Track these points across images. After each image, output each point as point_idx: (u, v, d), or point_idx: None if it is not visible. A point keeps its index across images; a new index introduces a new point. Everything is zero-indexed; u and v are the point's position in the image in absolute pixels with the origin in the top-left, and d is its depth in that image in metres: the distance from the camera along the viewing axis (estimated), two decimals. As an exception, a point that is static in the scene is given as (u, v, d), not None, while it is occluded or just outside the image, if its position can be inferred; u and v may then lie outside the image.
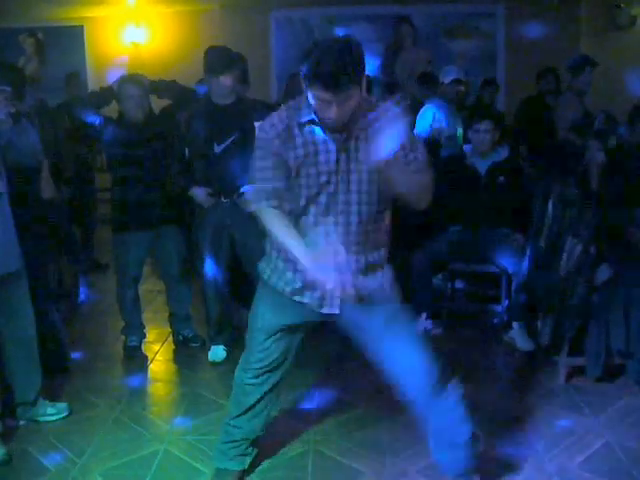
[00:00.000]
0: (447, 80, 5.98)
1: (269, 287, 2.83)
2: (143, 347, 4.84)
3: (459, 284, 5.41)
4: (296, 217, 2.66)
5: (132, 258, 4.60)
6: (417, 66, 7.13)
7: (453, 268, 5.00)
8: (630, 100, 5.98)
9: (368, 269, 2.71)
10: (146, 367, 4.59)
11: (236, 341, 4.47)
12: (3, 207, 3.46)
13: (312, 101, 2.49)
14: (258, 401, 3.03)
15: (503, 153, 4.88)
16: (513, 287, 4.68)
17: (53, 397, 3.95)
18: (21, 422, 3.76)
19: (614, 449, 3.38)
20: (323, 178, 2.58)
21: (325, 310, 2.72)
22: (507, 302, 4.80)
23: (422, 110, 5.78)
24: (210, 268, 4.52)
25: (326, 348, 4.49)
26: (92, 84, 8.41)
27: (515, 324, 4.66)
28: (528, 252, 4.59)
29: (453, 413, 2.84)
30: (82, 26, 9.10)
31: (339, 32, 9.14)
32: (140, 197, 4.47)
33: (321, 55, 2.38)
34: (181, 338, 4.88)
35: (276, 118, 2.63)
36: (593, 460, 3.30)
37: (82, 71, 8.19)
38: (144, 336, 4.87)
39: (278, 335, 2.88)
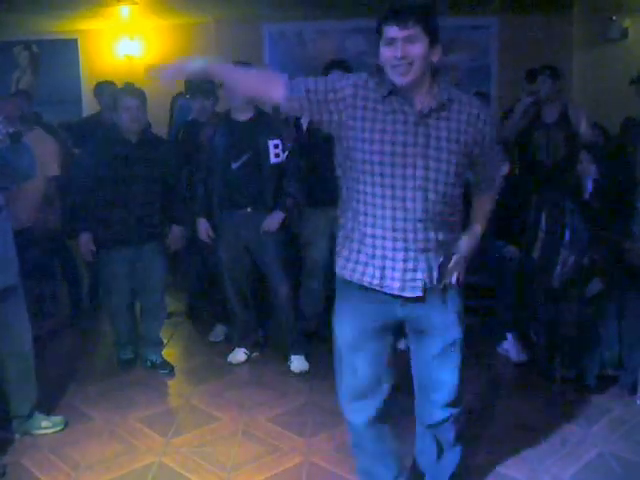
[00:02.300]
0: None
1: (343, 282, 2.72)
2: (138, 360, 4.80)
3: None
4: (369, 190, 2.58)
5: (117, 274, 4.48)
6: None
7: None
8: (621, 112, 6.03)
9: (437, 260, 2.65)
10: (141, 379, 4.58)
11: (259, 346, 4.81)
12: (2, 222, 3.46)
13: (382, 50, 2.51)
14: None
15: (503, 169, 4.89)
16: (506, 298, 4.69)
17: (48, 410, 3.95)
18: (16, 436, 3.75)
19: (608, 459, 3.39)
20: (399, 149, 2.52)
21: (407, 293, 2.61)
22: (500, 313, 4.81)
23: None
24: (231, 276, 4.66)
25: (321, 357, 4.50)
26: (86, 97, 8.44)
27: (509, 336, 4.68)
28: (522, 264, 4.62)
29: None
30: (76, 39, 9.09)
31: (332, 45, 9.20)
32: (126, 214, 4.35)
33: (398, 2, 2.52)
34: (149, 364, 4.72)
35: (352, 81, 2.61)
36: (587, 470, 3.32)
37: (76, 83, 8.20)
38: (137, 349, 4.80)
39: (364, 347, 2.72)
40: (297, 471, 3.38)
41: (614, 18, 7.44)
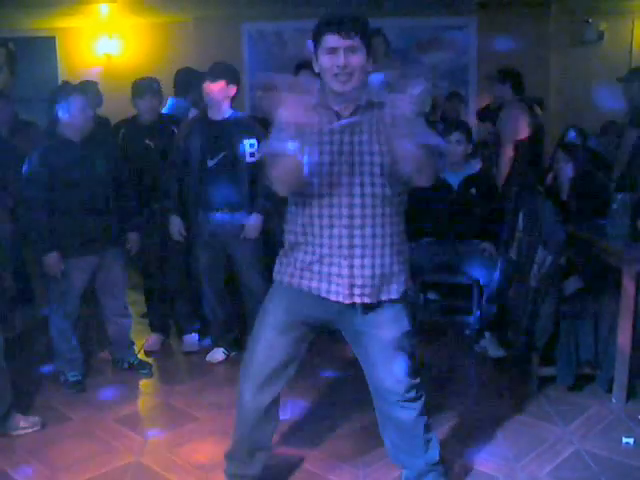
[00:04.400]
0: (416, 92, 6.02)
1: (280, 284, 2.81)
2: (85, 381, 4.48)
3: (431, 295, 5.44)
4: (303, 202, 2.68)
5: (74, 286, 4.29)
6: (389, 78, 7.17)
7: (425, 279, 5.03)
8: (597, 113, 6.10)
9: (376, 270, 2.68)
10: (119, 379, 4.56)
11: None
12: None
13: (322, 58, 2.57)
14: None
15: (475, 166, 4.94)
16: (484, 298, 4.73)
17: (25, 410, 3.92)
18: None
19: (584, 457, 3.42)
20: (326, 158, 2.60)
21: (333, 296, 2.67)
22: (479, 312, 4.85)
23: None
24: (209, 275, 4.67)
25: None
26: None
27: (487, 334, 4.71)
28: (499, 263, 4.65)
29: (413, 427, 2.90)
30: (54, 37, 9.05)
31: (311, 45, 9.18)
32: (83, 220, 4.17)
33: (333, 13, 2.59)
34: (126, 366, 4.64)
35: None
36: (563, 468, 3.34)
37: (54, 82, 8.12)
38: (84, 368, 4.52)
39: (286, 334, 2.80)
40: (278, 469, 3.38)
41: (590, 21, 7.52)
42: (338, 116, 2.63)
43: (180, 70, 5.55)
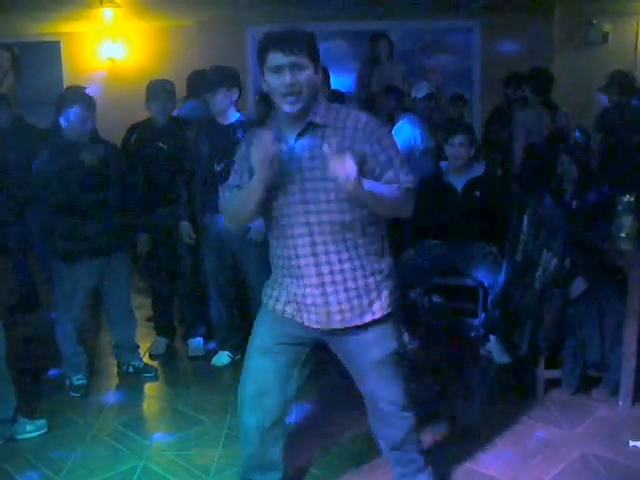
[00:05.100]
0: (419, 95, 6.02)
1: (266, 307, 2.82)
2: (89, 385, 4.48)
3: (436, 298, 5.43)
4: (272, 231, 2.70)
5: (80, 289, 4.31)
6: (393, 80, 7.18)
7: (430, 282, 5.02)
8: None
9: (350, 293, 2.65)
10: (124, 383, 4.56)
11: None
12: None
13: (268, 77, 2.51)
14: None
15: (479, 169, 4.93)
16: (489, 300, 4.71)
17: (30, 414, 3.93)
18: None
19: (590, 461, 3.41)
20: (280, 188, 2.55)
21: (313, 325, 2.68)
22: (484, 315, 4.83)
23: (397, 126, 5.81)
24: (216, 279, 4.68)
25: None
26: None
27: (492, 337, 4.69)
28: (504, 266, 4.63)
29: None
30: (59, 41, 9.06)
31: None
32: (88, 224, 4.18)
33: (277, 30, 2.52)
34: (131, 370, 4.65)
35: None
36: (570, 472, 3.33)
37: (59, 86, 8.13)
38: (89, 372, 4.53)
39: (272, 358, 2.79)
40: (286, 473, 3.36)
41: (595, 22, 7.51)
42: (288, 140, 2.57)
43: (192, 73, 5.55)
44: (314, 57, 2.52)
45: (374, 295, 2.69)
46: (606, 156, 5.30)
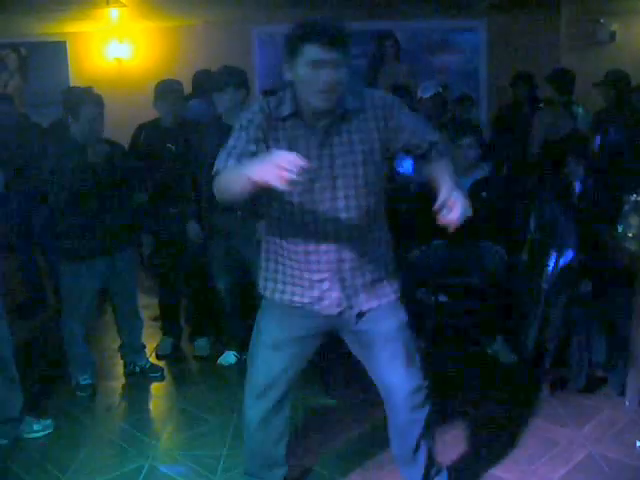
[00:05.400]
0: (426, 95, 6.01)
1: (271, 301, 2.76)
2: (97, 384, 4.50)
3: (442, 298, 5.42)
4: (285, 219, 2.61)
5: (86, 289, 4.30)
6: (399, 79, 7.18)
7: (436, 282, 5.01)
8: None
9: (367, 277, 2.67)
10: (130, 383, 4.57)
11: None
12: None
13: (303, 71, 2.38)
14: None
15: (485, 169, 4.92)
16: (496, 301, 4.70)
17: (37, 413, 3.93)
18: (3, 441, 3.72)
19: (597, 460, 3.40)
20: (305, 175, 2.44)
21: (325, 311, 2.66)
22: (490, 315, 4.82)
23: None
24: (222, 278, 4.67)
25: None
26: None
27: (498, 338, 4.69)
28: (511, 265, 4.63)
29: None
30: (65, 42, 9.07)
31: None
32: (94, 222, 4.17)
33: (314, 20, 2.40)
34: (138, 370, 4.65)
35: (258, 106, 2.55)
36: (576, 472, 3.32)
37: (65, 87, 8.14)
38: (95, 372, 4.52)
39: (282, 350, 2.77)
40: (291, 471, 3.37)
41: (602, 21, 7.49)
42: (313, 129, 2.52)
43: (197, 72, 5.53)
44: (349, 53, 2.43)
45: (388, 280, 2.73)
46: (611, 156, 5.29)
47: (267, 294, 2.77)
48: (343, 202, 2.55)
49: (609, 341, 4.00)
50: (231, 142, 2.53)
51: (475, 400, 4.14)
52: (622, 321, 3.95)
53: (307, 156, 2.36)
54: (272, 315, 2.80)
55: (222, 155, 2.52)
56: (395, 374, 2.77)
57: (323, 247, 2.59)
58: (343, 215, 2.56)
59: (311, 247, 2.60)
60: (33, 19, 7.98)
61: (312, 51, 2.35)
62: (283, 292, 2.71)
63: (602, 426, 3.76)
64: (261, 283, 2.79)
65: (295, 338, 2.77)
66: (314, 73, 2.37)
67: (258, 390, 2.85)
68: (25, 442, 3.75)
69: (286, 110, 2.50)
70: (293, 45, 2.40)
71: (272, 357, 2.79)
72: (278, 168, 2.04)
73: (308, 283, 2.65)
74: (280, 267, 2.71)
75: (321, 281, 2.63)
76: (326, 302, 2.66)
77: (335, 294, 2.64)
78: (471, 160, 4.83)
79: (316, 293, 2.65)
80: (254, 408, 2.89)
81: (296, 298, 2.69)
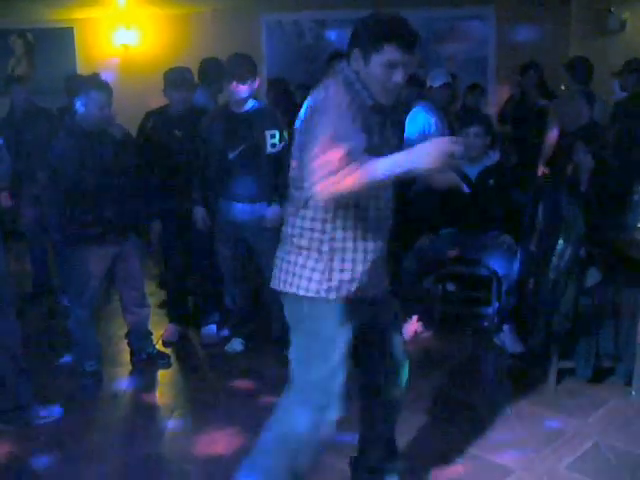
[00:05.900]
0: (436, 84, 5.98)
1: (326, 301, 2.54)
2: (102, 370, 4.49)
3: (450, 286, 5.43)
4: (360, 211, 2.55)
5: (92, 274, 4.28)
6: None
7: (444, 270, 5.01)
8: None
9: (385, 259, 2.72)
10: (137, 370, 4.58)
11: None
12: None
13: (377, 67, 2.41)
14: None
15: (494, 157, 4.91)
16: (503, 290, 4.70)
17: (44, 400, 3.94)
18: (11, 428, 3.74)
19: (603, 450, 3.40)
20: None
21: (370, 294, 2.63)
22: (497, 305, 4.82)
23: (412, 113, 5.78)
24: (229, 266, 4.69)
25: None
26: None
27: (505, 326, 4.68)
28: (518, 255, 4.62)
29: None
30: (72, 28, 9.06)
31: (330, 35, 9.18)
32: (102, 208, 4.17)
33: (394, 19, 2.44)
34: (145, 356, 4.62)
35: (350, 97, 2.43)
36: (582, 461, 3.33)
37: (72, 73, 8.14)
38: (101, 358, 4.52)
39: (355, 348, 2.65)
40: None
41: (612, 10, 7.43)
42: (383, 118, 2.58)
43: (205, 60, 5.52)
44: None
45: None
46: (623, 146, 5.25)
47: (323, 294, 2.54)
48: (391, 191, 2.64)
49: (616, 331, 3.99)
50: (344, 137, 2.31)
51: (481, 388, 4.15)
52: (630, 311, 3.95)
53: (381, 146, 2.48)
54: (334, 318, 2.57)
55: (344, 154, 2.27)
56: (399, 345, 2.88)
57: (370, 235, 2.56)
58: (382, 203, 2.61)
59: (360, 234, 2.54)
60: (40, 5, 7.98)
61: (391, 52, 2.39)
62: (355, 286, 2.56)
63: (609, 416, 3.77)
64: (314, 286, 2.54)
65: (359, 335, 2.67)
66: (387, 72, 2.42)
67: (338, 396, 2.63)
68: (33, 428, 3.75)
69: (368, 101, 2.49)
70: (373, 41, 2.41)
71: (349, 362, 2.63)
72: (448, 155, 2.22)
73: (365, 270, 2.58)
74: (335, 263, 2.53)
75: (375, 265, 2.62)
76: (371, 290, 2.66)
77: (380, 278, 2.71)
78: (478, 149, 4.82)
79: (372, 281, 2.62)
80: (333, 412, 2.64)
81: (355, 289, 2.56)
